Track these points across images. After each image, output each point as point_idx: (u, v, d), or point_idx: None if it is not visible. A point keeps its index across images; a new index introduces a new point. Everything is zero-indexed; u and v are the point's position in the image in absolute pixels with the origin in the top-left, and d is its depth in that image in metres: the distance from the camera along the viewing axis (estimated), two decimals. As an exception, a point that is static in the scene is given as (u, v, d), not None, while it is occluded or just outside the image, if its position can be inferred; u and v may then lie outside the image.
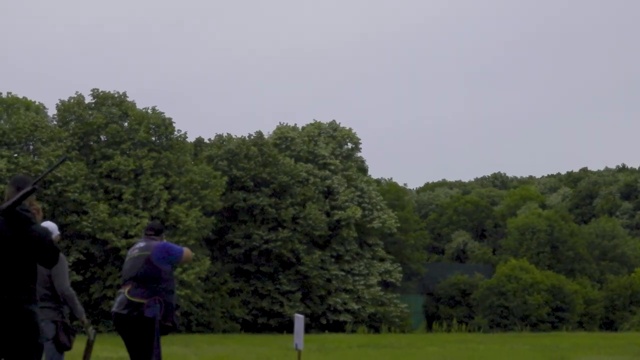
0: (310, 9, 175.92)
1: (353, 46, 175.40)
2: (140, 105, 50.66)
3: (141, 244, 9.31)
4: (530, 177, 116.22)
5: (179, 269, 41.63)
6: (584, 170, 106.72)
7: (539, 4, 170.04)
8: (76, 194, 44.49)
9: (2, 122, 47.02)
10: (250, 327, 53.35)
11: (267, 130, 70.56)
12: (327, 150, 59.06)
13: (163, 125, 49.40)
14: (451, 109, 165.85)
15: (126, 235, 45.25)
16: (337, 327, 54.55)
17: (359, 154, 63.51)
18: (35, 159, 44.89)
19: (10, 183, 6.68)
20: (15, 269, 6.25)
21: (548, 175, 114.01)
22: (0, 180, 41.47)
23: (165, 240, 9.55)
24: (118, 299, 9.12)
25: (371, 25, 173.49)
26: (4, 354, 6.27)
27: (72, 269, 42.17)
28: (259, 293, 53.85)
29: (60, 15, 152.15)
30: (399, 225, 59.49)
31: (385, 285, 58.37)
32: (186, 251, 9.41)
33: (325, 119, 64.67)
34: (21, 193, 6.24)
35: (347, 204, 56.32)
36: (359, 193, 58.31)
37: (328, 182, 57.10)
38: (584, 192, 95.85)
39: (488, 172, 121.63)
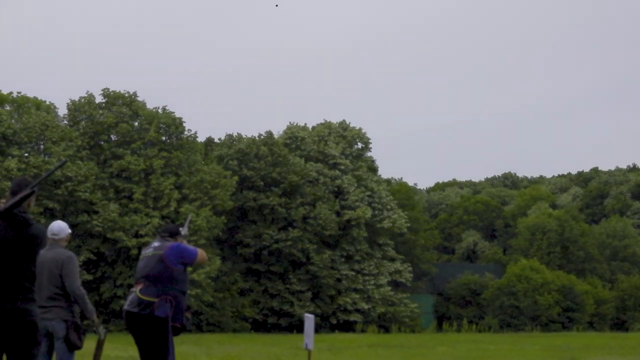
0: (321, 7, 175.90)
1: (363, 45, 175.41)
2: (150, 105, 50.79)
3: (156, 244, 9.34)
4: (541, 177, 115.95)
5: (190, 269, 41.67)
6: (595, 170, 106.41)
7: (548, 1, 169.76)
8: (87, 194, 44.59)
9: (12, 121, 47.07)
10: (260, 326, 53.40)
11: (277, 130, 70.60)
12: (337, 150, 59.05)
13: (173, 124, 49.46)
14: (461, 108, 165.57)
15: (136, 235, 45.34)
16: (347, 326, 54.55)
17: (369, 154, 63.53)
18: (46, 158, 44.98)
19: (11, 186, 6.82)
20: (12, 269, 6.44)
21: (559, 175, 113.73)
22: (11, 179, 41.58)
23: (184, 242, 9.57)
24: (130, 297, 9.15)
25: (381, 25, 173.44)
26: (5, 351, 6.51)
27: (82, 269, 42.23)
28: (269, 293, 53.87)
29: (70, 14, 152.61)
30: (409, 225, 59.40)
31: (395, 285, 58.32)
32: (200, 253, 9.39)
33: (335, 119, 64.71)
34: (20, 196, 6.43)
35: (357, 203, 56.27)
36: (369, 193, 58.26)
37: (338, 181, 57.07)
38: (595, 192, 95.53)
39: (498, 172, 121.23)
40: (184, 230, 9.91)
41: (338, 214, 55.81)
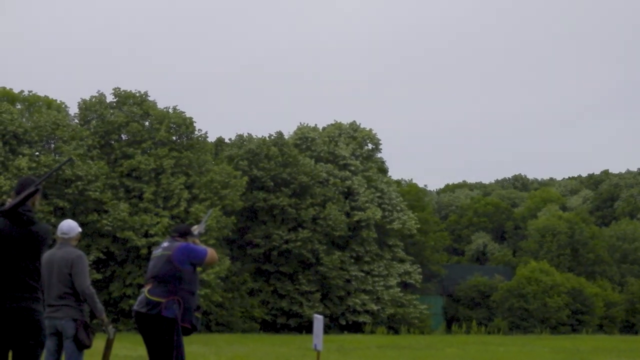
0: (330, 8, 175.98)
1: (373, 46, 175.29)
2: (161, 105, 50.81)
3: (165, 244, 9.36)
4: (551, 179, 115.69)
5: (199, 268, 41.62)
6: (605, 173, 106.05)
7: (560, 1, 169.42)
8: (97, 193, 44.62)
9: (23, 120, 47.20)
10: (269, 327, 53.39)
11: (288, 131, 70.41)
12: (347, 151, 59.00)
13: (184, 124, 49.50)
14: (471, 109, 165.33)
15: (146, 234, 45.37)
16: (356, 327, 54.50)
17: (379, 155, 63.42)
18: (57, 157, 45.05)
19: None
20: (16, 267, 6.49)
21: (569, 177, 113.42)
22: (22, 178, 41.63)
23: (197, 242, 9.58)
24: (139, 297, 9.19)
25: (390, 25, 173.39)
26: (11, 349, 6.58)
27: (92, 268, 42.29)
28: (279, 293, 53.84)
29: (81, 14, 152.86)
30: (418, 226, 59.30)
31: (405, 286, 58.23)
32: (210, 253, 9.37)
33: (345, 120, 64.61)
34: (24, 194, 6.50)
35: (367, 204, 56.21)
36: (379, 194, 58.21)
37: (348, 182, 57.01)
38: (605, 195, 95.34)
39: (509, 174, 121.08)
40: (200, 228, 9.92)
41: (348, 214, 55.77)
